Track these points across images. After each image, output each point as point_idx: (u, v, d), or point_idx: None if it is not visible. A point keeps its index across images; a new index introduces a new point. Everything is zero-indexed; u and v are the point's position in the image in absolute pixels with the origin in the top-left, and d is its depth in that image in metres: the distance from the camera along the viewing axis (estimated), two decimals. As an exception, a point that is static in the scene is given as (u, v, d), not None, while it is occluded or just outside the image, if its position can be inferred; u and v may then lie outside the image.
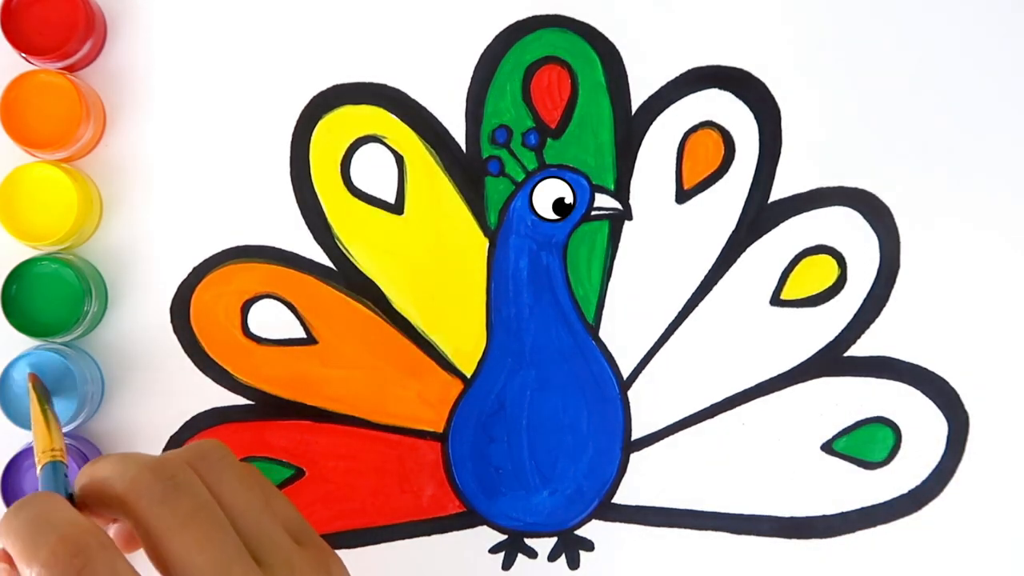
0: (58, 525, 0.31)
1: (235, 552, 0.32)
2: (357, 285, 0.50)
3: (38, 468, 0.38)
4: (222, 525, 0.32)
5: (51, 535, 0.30)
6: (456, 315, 0.50)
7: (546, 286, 0.50)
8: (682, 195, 0.50)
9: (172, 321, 0.49)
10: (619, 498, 0.51)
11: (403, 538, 0.50)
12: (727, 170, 0.50)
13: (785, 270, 0.51)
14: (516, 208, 0.50)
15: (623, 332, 0.50)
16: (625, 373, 0.51)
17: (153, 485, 0.32)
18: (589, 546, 0.51)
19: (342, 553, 0.37)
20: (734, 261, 0.51)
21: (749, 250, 0.51)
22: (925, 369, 0.51)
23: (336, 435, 0.50)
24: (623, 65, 0.50)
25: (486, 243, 0.50)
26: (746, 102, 0.50)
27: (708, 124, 0.50)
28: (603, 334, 0.50)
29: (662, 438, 0.51)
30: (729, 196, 0.50)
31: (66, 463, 0.38)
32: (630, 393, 0.51)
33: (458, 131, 0.50)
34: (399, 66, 0.50)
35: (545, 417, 0.50)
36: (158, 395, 0.49)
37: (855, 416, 0.51)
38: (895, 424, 0.51)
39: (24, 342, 0.47)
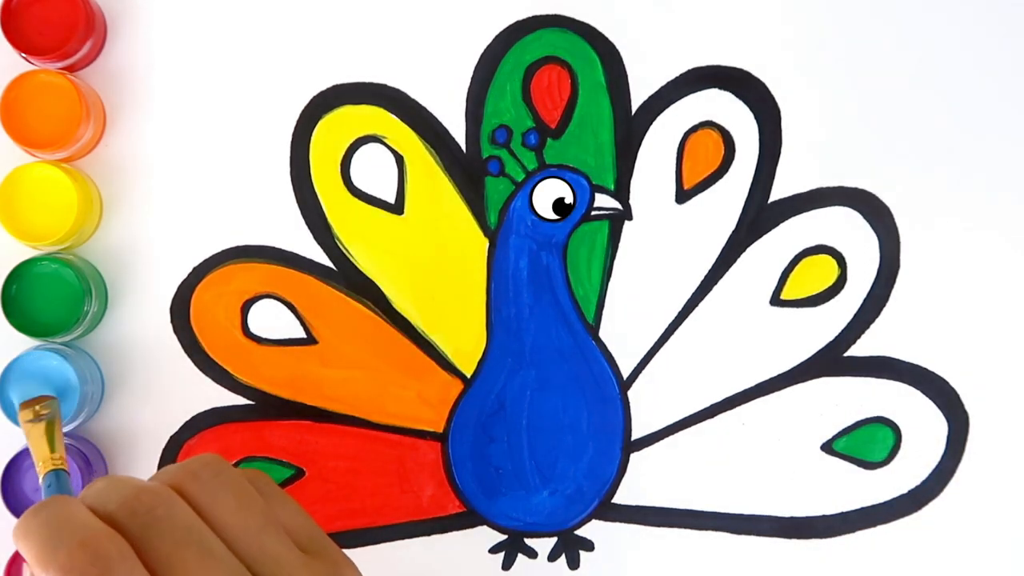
0: (77, 529, 0.30)
1: (231, 574, 0.30)
2: (357, 285, 0.50)
3: (40, 478, 0.38)
4: (211, 553, 0.31)
5: (70, 539, 0.29)
6: (456, 315, 0.50)
7: (546, 286, 0.50)
8: (682, 195, 0.50)
9: (172, 321, 0.49)
10: (619, 498, 0.51)
11: (403, 538, 0.50)
12: (727, 170, 0.50)
13: (785, 270, 0.51)
14: (516, 208, 0.50)
15: (623, 332, 0.50)
16: (625, 373, 0.51)
17: (131, 521, 0.30)
18: (589, 546, 0.51)
19: (342, 553, 0.37)
20: (734, 261, 0.51)
21: (749, 250, 0.51)
22: (925, 369, 0.51)
23: (336, 435, 0.50)
24: (623, 65, 0.50)
25: (486, 243, 0.50)
26: (746, 102, 0.50)
27: (708, 124, 0.50)
28: (603, 334, 0.50)
29: (662, 438, 0.51)
30: (729, 196, 0.50)
31: (67, 470, 0.37)
32: (630, 393, 0.51)
33: (458, 131, 0.50)
34: (399, 66, 0.50)
35: (545, 417, 0.50)
36: (158, 395, 0.49)
37: (855, 416, 0.51)
38: (895, 424, 0.51)
39: (24, 342, 0.47)
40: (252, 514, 0.32)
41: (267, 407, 0.50)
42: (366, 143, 0.50)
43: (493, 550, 0.51)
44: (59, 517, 0.30)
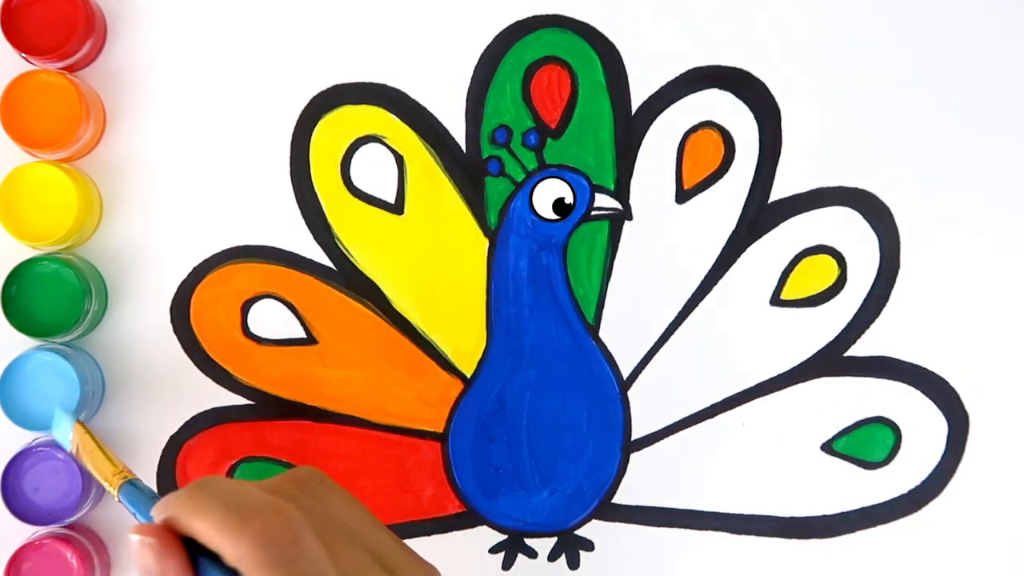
0: (264, 501, 0.30)
1: (368, 560, 0.32)
2: (357, 285, 0.50)
3: (114, 492, 0.37)
4: (351, 539, 0.33)
5: (261, 508, 0.30)
6: (456, 315, 0.50)
7: (546, 286, 0.50)
8: (682, 195, 0.50)
9: (172, 321, 0.49)
10: (619, 498, 0.51)
11: (403, 538, 0.50)
12: (727, 170, 0.50)
13: (785, 270, 0.51)
14: (516, 208, 0.50)
15: (623, 332, 0.50)
16: (625, 373, 0.51)
17: (275, 547, 0.30)
18: (589, 546, 0.51)
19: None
20: (734, 261, 0.51)
21: (749, 250, 0.51)
22: (925, 369, 0.51)
23: (336, 435, 0.50)
24: (623, 65, 0.50)
25: (486, 243, 0.50)
26: (746, 102, 0.50)
27: (708, 124, 0.50)
28: (603, 334, 0.50)
29: (662, 438, 0.51)
30: (729, 196, 0.50)
31: (136, 477, 0.37)
32: (630, 393, 0.51)
33: (458, 131, 0.50)
34: (399, 66, 0.50)
35: (545, 417, 0.50)
36: (158, 395, 0.49)
37: (855, 416, 0.51)
38: (895, 424, 0.51)
39: (24, 342, 0.47)
40: (362, 513, 0.34)
41: (267, 407, 0.50)
42: (366, 143, 0.50)
43: (493, 550, 0.51)
44: (235, 491, 0.31)
